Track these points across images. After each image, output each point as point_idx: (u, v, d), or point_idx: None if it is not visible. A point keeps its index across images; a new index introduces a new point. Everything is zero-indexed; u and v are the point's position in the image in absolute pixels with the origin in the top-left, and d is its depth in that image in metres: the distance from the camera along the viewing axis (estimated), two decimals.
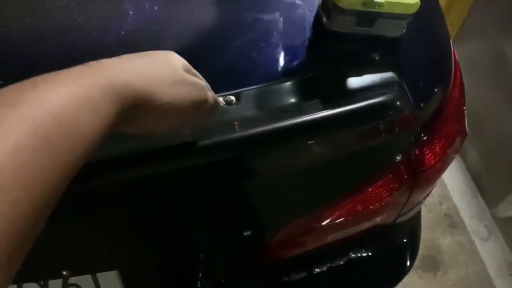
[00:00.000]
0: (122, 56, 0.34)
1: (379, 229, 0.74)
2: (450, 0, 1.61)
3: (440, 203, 1.66)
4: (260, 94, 0.52)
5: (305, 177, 0.54)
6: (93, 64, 0.31)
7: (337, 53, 0.57)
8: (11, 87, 0.26)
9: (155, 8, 0.58)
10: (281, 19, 0.60)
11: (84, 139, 0.27)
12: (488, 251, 1.56)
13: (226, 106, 0.51)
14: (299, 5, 0.62)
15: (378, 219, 0.66)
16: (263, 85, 0.53)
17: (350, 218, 0.60)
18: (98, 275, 0.63)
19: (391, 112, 0.46)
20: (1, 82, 0.51)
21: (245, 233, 0.55)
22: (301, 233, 0.61)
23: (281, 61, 0.57)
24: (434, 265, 1.52)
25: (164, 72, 0.35)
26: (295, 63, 0.57)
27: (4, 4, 0.55)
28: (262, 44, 0.57)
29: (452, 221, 1.63)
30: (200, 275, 0.64)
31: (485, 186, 1.68)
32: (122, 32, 0.55)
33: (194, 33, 0.57)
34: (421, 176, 0.59)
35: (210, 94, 0.40)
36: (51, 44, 0.54)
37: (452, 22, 1.64)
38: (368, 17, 0.55)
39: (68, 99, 0.26)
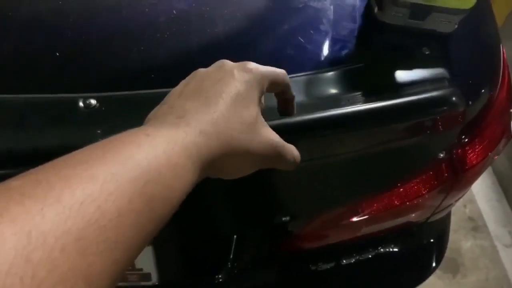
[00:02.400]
0: (203, 95, 0.33)
1: (410, 227, 0.73)
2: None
3: (464, 206, 1.64)
4: (308, 81, 0.52)
5: (346, 167, 0.54)
6: (182, 124, 0.31)
7: (387, 45, 0.56)
8: (116, 139, 0.28)
9: None
10: (331, 7, 0.60)
11: (176, 201, 0.28)
12: (511, 257, 1.54)
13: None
14: None
15: (413, 215, 0.65)
16: (310, 72, 0.53)
17: (386, 212, 0.60)
18: None
19: (446, 107, 0.45)
20: (57, 54, 0.52)
21: (281, 218, 0.55)
22: (335, 224, 0.62)
23: (330, 49, 0.56)
24: (454, 267, 1.50)
25: (241, 117, 0.33)
26: (343, 52, 0.57)
27: None
28: (311, 31, 0.57)
29: (476, 225, 1.61)
30: (231, 256, 0.65)
31: (511, 191, 1.65)
32: (174, 11, 0.56)
33: (244, 16, 0.57)
34: (461, 175, 0.59)
35: (289, 156, 0.37)
36: (104, 20, 0.55)
37: None
38: (422, 10, 0.54)
39: (167, 166, 0.27)
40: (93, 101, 0.49)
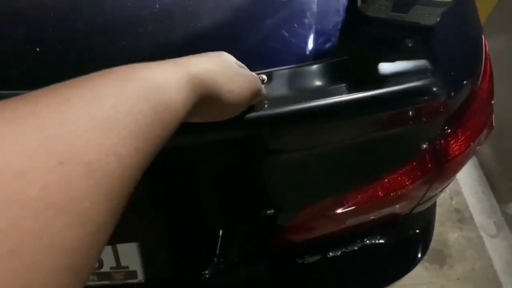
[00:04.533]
0: (185, 57, 0.38)
1: (395, 218, 0.74)
2: None
3: (451, 198, 1.66)
4: (291, 74, 0.52)
5: (330, 159, 0.54)
6: (169, 61, 0.34)
7: (371, 37, 0.57)
8: (122, 67, 0.30)
9: None
10: (315, 0, 0.60)
11: (175, 115, 0.30)
12: (496, 247, 1.56)
13: None
14: None
15: (397, 206, 0.66)
16: (294, 66, 0.53)
17: (370, 203, 0.60)
18: (118, 246, 0.64)
19: (427, 97, 0.46)
20: (37, 49, 0.51)
21: (268, 212, 0.56)
22: (321, 216, 0.62)
23: (313, 43, 0.57)
24: (441, 258, 1.52)
25: (223, 67, 0.39)
26: (327, 45, 0.57)
27: None
28: (295, 24, 0.57)
29: (462, 216, 1.63)
30: (217, 251, 0.65)
31: (497, 183, 1.67)
32: (157, 6, 0.55)
33: (228, 9, 0.56)
34: (445, 166, 0.59)
35: (260, 83, 0.45)
36: (85, 15, 0.54)
37: None
38: (405, 3, 0.54)
39: (164, 79, 0.30)
40: None
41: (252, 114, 0.45)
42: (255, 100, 0.44)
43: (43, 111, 0.23)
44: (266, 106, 0.48)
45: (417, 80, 0.45)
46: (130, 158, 0.24)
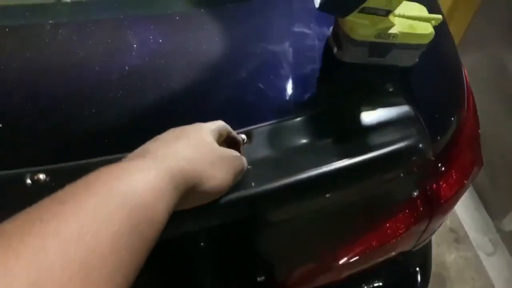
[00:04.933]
0: (162, 140, 0.38)
1: (392, 260, 0.71)
2: (450, 12, 1.60)
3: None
4: (272, 132, 0.50)
5: (320, 222, 0.52)
6: (149, 157, 0.34)
7: (350, 84, 0.55)
8: (93, 176, 0.30)
9: (160, 41, 0.56)
10: (290, 49, 0.58)
11: (160, 225, 0.30)
12: (494, 265, 1.54)
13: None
14: (308, 35, 0.60)
15: (393, 253, 0.63)
16: (274, 121, 0.51)
17: (365, 255, 0.57)
18: None
19: (414, 157, 0.44)
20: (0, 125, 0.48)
21: (258, 279, 0.53)
22: (315, 272, 0.59)
23: (292, 95, 0.55)
24: (440, 281, 1.49)
25: (204, 152, 0.38)
26: (306, 96, 0.55)
27: (3, 39, 0.53)
28: (271, 76, 0.55)
29: (457, 236, 1.61)
30: None
31: (489, 199, 1.66)
32: (127, 67, 0.53)
33: (201, 66, 0.54)
34: (438, 209, 0.57)
35: (244, 160, 0.43)
36: (50, 83, 0.52)
37: (452, 33, 1.63)
38: (382, 48, 0.53)
39: (146, 190, 0.30)
40: (41, 176, 0.46)
41: (234, 196, 0.42)
42: (238, 179, 0.42)
43: (17, 249, 0.23)
44: (249, 170, 0.45)
45: (401, 140, 0.43)
46: None
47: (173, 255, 0.51)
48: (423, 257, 0.83)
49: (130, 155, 0.36)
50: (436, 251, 1.55)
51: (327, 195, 0.46)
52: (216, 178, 0.37)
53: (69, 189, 0.28)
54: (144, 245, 0.28)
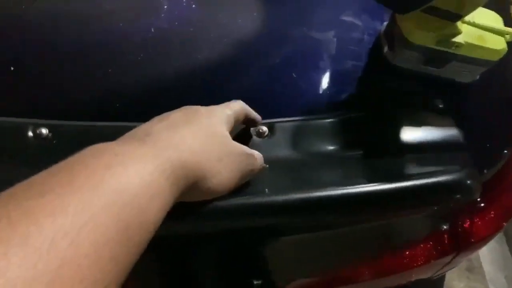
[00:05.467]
0: (169, 121, 0.32)
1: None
2: None
3: None
4: (298, 129, 0.44)
5: (331, 241, 0.46)
6: (149, 141, 0.29)
7: (394, 92, 0.48)
8: (81, 161, 0.25)
9: (193, 6, 0.50)
10: (334, 40, 0.52)
11: (153, 227, 0.26)
12: None
13: (256, 138, 0.43)
14: (358, 27, 0.53)
15: (408, 280, 0.57)
16: (301, 118, 0.45)
17: (376, 278, 0.52)
18: None
19: (457, 197, 0.37)
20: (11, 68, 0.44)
21: (255, 282, 0.48)
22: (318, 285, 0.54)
23: (327, 91, 0.48)
24: None
25: (213, 143, 0.33)
26: (343, 96, 0.49)
27: None
28: (308, 66, 0.49)
29: (471, 265, 1.53)
30: None
31: None
32: (152, 30, 0.48)
33: (232, 42, 0.49)
34: (468, 247, 0.51)
35: (258, 160, 0.37)
36: (68, 33, 0.47)
37: None
38: (440, 57, 0.46)
39: (141, 187, 0.25)
40: (44, 130, 0.42)
41: (242, 201, 0.36)
42: (246, 179, 0.36)
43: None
44: (265, 170, 0.40)
45: (448, 172, 0.37)
46: None
47: (165, 254, 0.46)
48: (436, 283, 0.77)
49: (129, 134, 0.31)
50: (446, 276, 1.47)
51: (346, 219, 0.40)
52: (221, 176, 0.32)
53: (49, 176, 0.23)
54: (132, 252, 0.24)
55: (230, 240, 0.42)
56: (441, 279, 0.82)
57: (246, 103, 0.41)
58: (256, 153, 0.36)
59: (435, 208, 0.42)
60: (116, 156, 0.26)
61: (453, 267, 0.66)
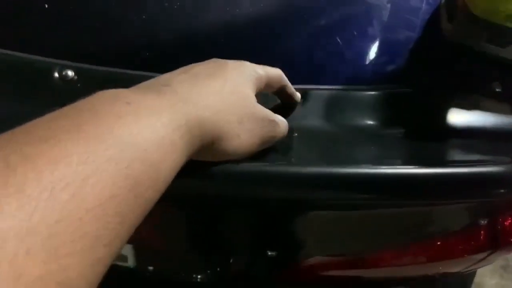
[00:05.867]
0: (192, 73, 0.30)
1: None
2: None
3: None
4: (334, 99, 0.41)
5: (359, 222, 0.43)
6: (167, 93, 0.27)
7: (448, 69, 0.44)
8: (90, 107, 0.23)
9: None
10: (389, 5, 0.47)
11: (162, 185, 0.24)
12: None
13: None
14: None
15: (438, 272, 0.54)
16: (340, 87, 0.42)
17: (401, 266, 0.49)
18: None
19: (502, 191, 0.33)
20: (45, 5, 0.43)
21: (269, 253, 0.46)
22: (337, 266, 0.52)
23: (373, 61, 0.44)
24: None
25: (235, 103, 0.30)
26: (390, 67, 0.45)
27: None
28: (355, 32, 0.45)
29: (507, 264, 1.46)
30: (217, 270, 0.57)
31: None
32: None
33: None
34: (505, 247, 0.47)
35: (281, 127, 0.34)
36: None
37: None
38: (506, 35, 0.41)
39: (153, 141, 0.23)
40: (70, 73, 0.41)
41: (266, 168, 0.33)
42: (266, 145, 0.34)
43: None
44: (294, 140, 0.37)
45: (496, 163, 0.33)
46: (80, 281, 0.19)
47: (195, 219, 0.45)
48: (466, 277, 0.73)
49: (147, 82, 0.29)
50: (478, 271, 1.42)
51: (375, 202, 0.37)
52: (239, 139, 0.30)
53: (54, 121, 0.21)
54: (139, 210, 0.22)
55: (248, 208, 0.41)
56: (472, 274, 0.78)
57: (281, 63, 0.38)
58: (280, 119, 0.34)
59: (476, 201, 0.38)
60: (129, 105, 0.24)
61: (488, 264, 0.62)
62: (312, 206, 0.40)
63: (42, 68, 0.41)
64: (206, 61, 0.32)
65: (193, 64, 0.32)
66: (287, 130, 0.35)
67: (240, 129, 0.30)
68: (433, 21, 0.46)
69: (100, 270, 0.20)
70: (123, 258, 0.64)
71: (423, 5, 0.47)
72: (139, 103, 0.24)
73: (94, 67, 0.42)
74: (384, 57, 0.44)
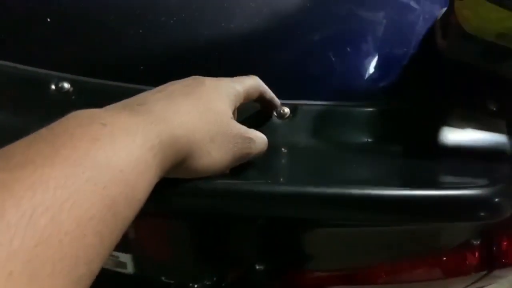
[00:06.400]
0: (167, 92, 0.30)
1: None
2: None
3: None
4: (325, 115, 0.41)
5: (344, 238, 0.43)
6: (141, 112, 0.27)
7: (443, 85, 0.43)
8: (66, 130, 0.23)
9: None
10: (384, 21, 0.47)
11: (138, 204, 0.25)
12: None
13: (276, 118, 0.40)
14: (414, 10, 0.48)
15: None
16: (332, 102, 0.42)
17: (383, 284, 0.48)
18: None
19: (482, 214, 0.32)
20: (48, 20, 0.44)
21: (258, 267, 0.46)
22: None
23: (366, 76, 0.44)
24: None
25: (209, 121, 0.30)
26: (383, 83, 0.44)
27: None
28: (348, 48, 0.45)
29: None
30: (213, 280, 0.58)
31: None
32: None
33: (271, 13, 0.45)
34: (501, 268, 0.46)
35: (257, 143, 0.34)
36: None
37: None
38: (500, 52, 0.40)
39: (128, 162, 0.24)
40: (66, 85, 0.42)
41: (253, 188, 0.33)
42: (241, 162, 0.34)
43: None
44: (283, 153, 0.38)
45: (473, 187, 0.32)
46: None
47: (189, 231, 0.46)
48: None
49: (122, 102, 0.29)
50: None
51: (362, 221, 0.37)
52: (210, 157, 0.30)
53: (29, 146, 0.22)
54: (117, 228, 0.23)
55: (234, 222, 0.41)
56: None
57: (273, 79, 0.38)
58: (257, 135, 0.34)
59: (459, 223, 0.38)
60: (104, 126, 0.24)
61: (492, 283, 0.60)
62: (295, 223, 0.40)
63: (39, 80, 0.42)
64: (185, 79, 0.33)
65: (171, 82, 0.32)
66: (265, 147, 0.35)
67: (211, 147, 0.30)
68: (428, 38, 0.45)
69: (82, 286, 0.21)
70: (123, 265, 0.65)
71: (420, 21, 0.47)
72: (114, 124, 0.25)
73: (90, 79, 0.43)
74: (377, 72, 0.44)
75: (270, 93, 0.38)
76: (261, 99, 0.38)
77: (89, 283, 0.21)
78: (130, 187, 0.24)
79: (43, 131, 0.23)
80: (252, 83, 0.36)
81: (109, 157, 0.23)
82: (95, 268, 0.21)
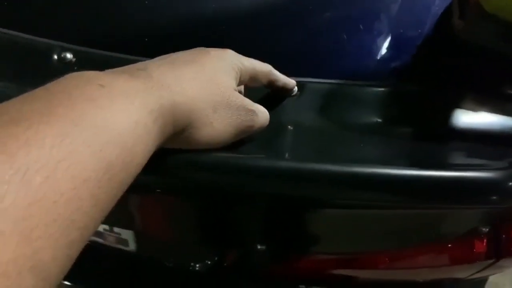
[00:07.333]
0: (170, 59, 0.29)
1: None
2: None
3: None
4: (333, 93, 0.40)
5: (350, 220, 0.42)
6: (141, 76, 0.26)
7: (458, 67, 0.42)
8: (63, 89, 0.22)
9: None
10: (399, 0, 0.45)
11: (135, 169, 0.24)
12: None
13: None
14: None
15: (438, 277, 0.52)
16: (341, 81, 0.41)
17: (388, 269, 0.48)
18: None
19: (494, 198, 0.31)
20: None
21: (259, 247, 0.45)
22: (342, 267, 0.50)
23: (378, 56, 0.43)
24: None
25: (211, 91, 0.29)
26: (395, 63, 0.43)
27: None
28: (361, 26, 0.43)
29: None
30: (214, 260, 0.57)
31: None
32: None
33: None
34: (507, 257, 0.45)
35: (259, 117, 0.33)
36: None
37: None
38: None
39: (126, 124, 0.23)
40: (68, 55, 0.41)
41: (256, 163, 0.32)
42: (243, 136, 0.33)
43: None
44: (289, 130, 0.36)
45: (486, 170, 0.31)
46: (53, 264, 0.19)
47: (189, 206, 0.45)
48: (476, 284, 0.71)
49: (123, 67, 0.28)
50: (497, 279, 1.37)
51: (369, 202, 0.35)
52: (211, 128, 0.29)
53: (26, 103, 0.21)
54: (112, 193, 0.22)
55: (238, 200, 0.40)
56: (482, 281, 0.75)
57: (281, 55, 0.37)
58: (259, 109, 0.33)
59: (469, 207, 0.37)
60: (102, 88, 0.23)
61: (497, 273, 0.59)
62: (299, 203, 0.39)
63: (41, 50, 0.41)
64: (190, 50, 0.32)
65: (169, 54, 0.31)
66: (267, 121, 0.34)
67: (214, 117, 0.29)
68: (444, 18, 0.43)
69: (73, 253, 0.20)
70: (124, 242, 0.64)
71: (436, 0, 0.45)
72: (113, 85, 0.24)
73: (92, 50, 0.42)
74: (389, 53, 0.43)
75: (283, 80, 0.36)
76: (272, 86, 0.36)
77: (78, 251, 0.20)
78: (127, 150, 0.23)
79: (40, 90, 0.22)
80: (261, 67, 0.34)
81: (106, 118, 0.22)
82: (87, 235, 0.21)
